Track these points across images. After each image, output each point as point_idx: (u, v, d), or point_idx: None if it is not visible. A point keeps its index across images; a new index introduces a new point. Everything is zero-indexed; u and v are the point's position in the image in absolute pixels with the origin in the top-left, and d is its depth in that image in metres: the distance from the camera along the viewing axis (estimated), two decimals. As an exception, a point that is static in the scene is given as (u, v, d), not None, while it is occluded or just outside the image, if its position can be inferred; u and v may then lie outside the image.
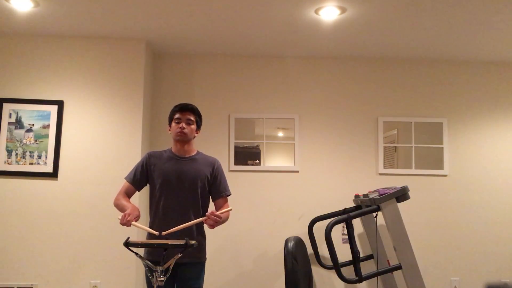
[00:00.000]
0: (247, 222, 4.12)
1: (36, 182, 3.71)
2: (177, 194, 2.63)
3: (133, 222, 2.39)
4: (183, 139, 2.66)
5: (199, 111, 2.77)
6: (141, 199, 3.56)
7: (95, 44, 3.87)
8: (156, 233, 2.38)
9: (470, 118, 4.34)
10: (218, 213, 2.46)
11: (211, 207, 2.74)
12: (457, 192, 4.24)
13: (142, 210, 2.65)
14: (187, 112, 2.70)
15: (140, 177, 2.71)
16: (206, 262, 2.71)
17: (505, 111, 4.36)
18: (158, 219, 2.63)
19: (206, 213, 2.46)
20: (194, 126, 2.71)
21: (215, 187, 2.71)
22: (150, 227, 2.63)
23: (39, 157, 3.73)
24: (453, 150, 4.30)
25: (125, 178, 2.73)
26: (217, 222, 2.45)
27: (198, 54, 4.29)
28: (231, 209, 2.54)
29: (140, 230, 3.65)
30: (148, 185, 2.76)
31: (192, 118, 2.70)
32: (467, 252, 4.17)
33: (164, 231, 2.38)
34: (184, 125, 2.65)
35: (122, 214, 2.44)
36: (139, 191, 2.77)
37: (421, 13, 3.34)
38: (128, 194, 2.70)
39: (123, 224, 2.39)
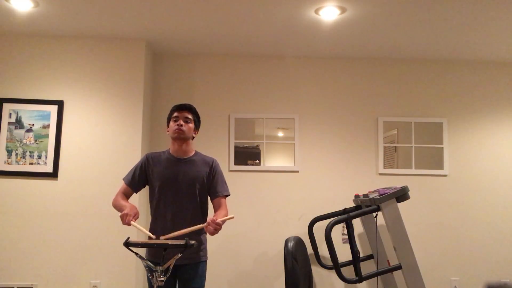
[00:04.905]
0: (247, 222, 4.12)
1: (36, 182, 3.71)
2: (176, 197, 2.62)
3: (132, 222, 2.41)
4: (180, 137, 2.65)
5: (197, 111, 2.77)
6: (140, 201, 3.56)
7: (95, 44, 3.88)
8: (153, 236, 2.39)
9: (470, 118, 4.35)
10: (218, 220, 2.43)
11: (211, 207, 2.75)
12: (457, 192, 4.24)
13: (142, 212, 2.65)
14: (185, 110, 2.70)
15: (138, 180, 2.70)
16: (207, 261, 2.71)
17: (505, 111, 4.36)
18: (159, 221, 2.63)
19: (207, 220, 2.45)
20: (192, 125, 2.70)
21: (213, 187, 2.70)
22: (151, 229, 2.63)
23: (39, 157, 3.73)
24: (453, 150, 4.30)
25: (123, 179, 2.73)
26: (217, 229, 2.43)
27: (198, 54, 4.29)
28: (232, 217, 2.50)
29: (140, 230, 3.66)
30: (147, 186, 2.76)
31: (190, 117, 2.70)
32: (467, 252, 4.17)
33: (164, 235, 2.39)
34: (181, 122, 2.65)
35: (121, 214, 2.45)
36: (136, 192, 2.77)
37: (421, 13, 3.34)
38: (126, 195, 2.70)
39: (124, 224, 2.42)
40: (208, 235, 2.69)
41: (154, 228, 2.61)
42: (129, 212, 2.43)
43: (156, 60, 4.28)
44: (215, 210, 2.67)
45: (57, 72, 3.83)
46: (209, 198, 2.75)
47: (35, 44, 3.84)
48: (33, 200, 3.69)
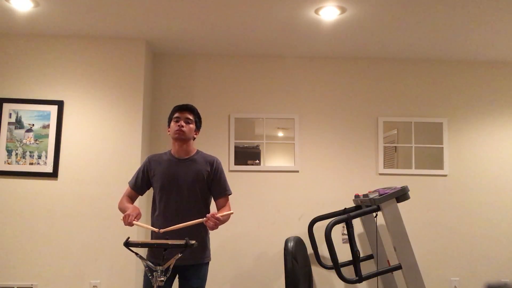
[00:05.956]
0: (247, 222, 4.12)
1: (36, 182, 3.71)
2: (177, 197, 2.63)
3: (134, 222, 2.42)
4: (181, 138, 2.65)
5: (198, 112, 2.77)
6: (141, 201, 3.55)
7: (95, 44, 3.87)
8: (157, 230, 2.41)
9: (470, 118, 4.35)
10: (218, 215, 2.46)
11: (213, 205, 2.75)
12: (457, 192, 4.24)
13: (143, 212, 2.66)
14: (186, 111, 2.70)
15: (141, 183, 2.73)
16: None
17: (505, 111, 4.36)
18: (160, 222, 2.63)
19: (207, 215, 2.47)
20: (193, 126, 2.70)
21: (215, 187, 2.71)
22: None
23: (39, 157, 3.73)
24: (453, 150, 4.30)
25: (128, 183, 2.77)
26: (217, 224, 2.45)
27: (198, 54, 4.29)
28: (232, 213, 2.54)
29: (140, 230, 3.66)
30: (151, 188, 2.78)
31: (191, 118, 2.70)
32: (467, 252, 4.17)
33: (163, 229, 2.40)
34: (182, 123, 2.65)
35: (123, 215, 2.46)
36: (141, 195, 2.79)
37: (421, 13, 3.34)
38: (131, 198, 2.73)
39: (126, 225, 2.44)
40: (210, 235, 2.70)
41: (156, 228, 2.62)
42: (131, 213, 2.45)
43: (156, 60, 4.28)
44: (218, 209, 2.68)
45: (57, 72, 3.83)
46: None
47: (35, 44, 3.84)
48: (33, 200, 3.69)
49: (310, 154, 4.25)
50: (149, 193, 2.83)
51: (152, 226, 2.67)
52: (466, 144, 4.31)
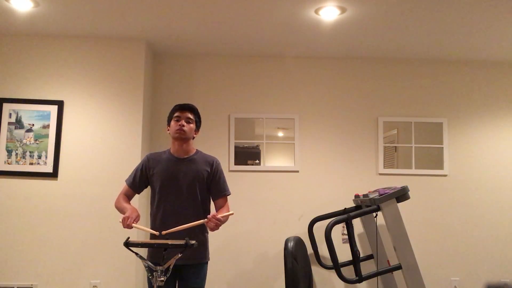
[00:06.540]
0: (247, 222, 4.12)
1: (36, 182, 3.71)
2: (176, 197, 2.63)
3: (134, 224, 2.42)
4: (181, 137, 2.65)
5: (198, 112, 2.77)
6: (140, 202, 3.56)
7: (95, 44, 3.87)
8: (157, 233, 2.41)
9: (470, 118, 4.34)
10: (219, 216, 2.46)
11: (212, 206, 2.75)
12: (457, 192, 4.24)
13: (142, 212, 2.66)
14: (187, 110, 2.70)
15: (139, 181, 2.72)
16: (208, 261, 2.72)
17: (505, 111, 4.36)
18: (158, 221, 2.63)
19: (208, 216, 2.47)
20: (193, 126, 2.70)
21: (214, 187, 2.71)
22: (152, 229, 2.64)
23: (39, 157, 3.73)
24: (453, 150, 4.30)
25: (125, 181, 2.75)
26: (218, 225, 2.46)
27: (198, 54, 4.29)
28: (232, 213, 2.55)
29: (140, 230, 3.66)
30: (149, 187, 2.77)
31: (192, 117, 2.70)
32: (467, 252, 4.17)
33: (165, 231, 2.40)
34: (183, 122, 2.65)
35: (122, 217, 2.46)
36: (139, 193, 2.78)
37: (421, 13, 3.34)
38: (128, 196, 2.72)
39: (125, 227, 2.43)
40: (210, 235, 2.71)
41: (155, 228, 2.62)
42: (130, 215, 2.45)
43: (156, 60, 4.28)
44: (217, 209, 2.68)
45: (57, 72, 3.83)
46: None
47: (35, 44, 3.84)
48: (33, 200, 3.69)
49: (310, 154, 4.25)
50: (148, 192, 2.83)
51: (152, 226, 2.67)
52: (466, 144, 4.31)
